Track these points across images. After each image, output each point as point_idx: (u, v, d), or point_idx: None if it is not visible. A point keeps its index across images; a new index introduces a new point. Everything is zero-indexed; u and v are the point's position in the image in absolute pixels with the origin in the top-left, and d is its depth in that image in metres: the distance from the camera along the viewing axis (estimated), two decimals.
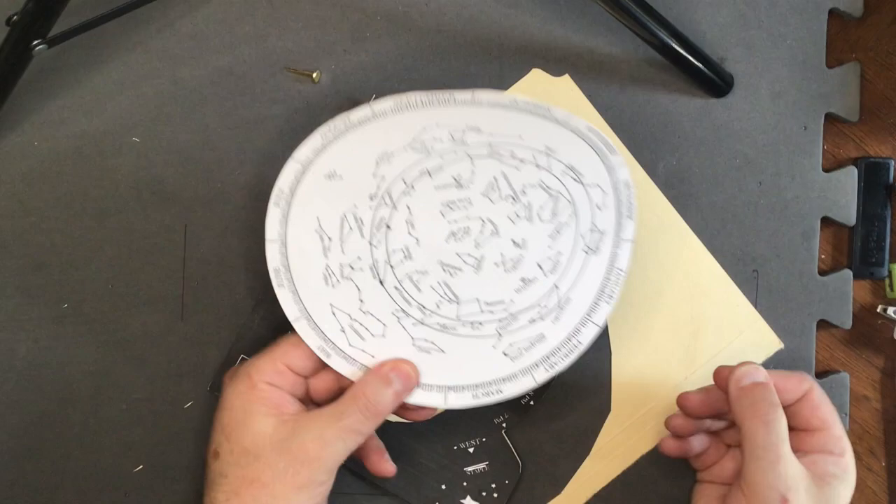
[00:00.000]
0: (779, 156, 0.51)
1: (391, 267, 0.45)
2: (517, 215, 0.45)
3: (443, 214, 0.45)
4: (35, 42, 0.45)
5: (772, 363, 0.51)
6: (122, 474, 0.50)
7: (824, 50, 0.51)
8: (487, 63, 0.51)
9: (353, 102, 0.49)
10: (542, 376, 0.45)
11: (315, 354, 0.45)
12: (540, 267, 0.45)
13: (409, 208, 0.45)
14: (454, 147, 0.45)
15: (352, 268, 0.45)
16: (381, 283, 0.45)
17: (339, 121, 0.45)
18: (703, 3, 0.51)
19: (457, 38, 0.51)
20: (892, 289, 0.51)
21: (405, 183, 0.45)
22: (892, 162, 0.52)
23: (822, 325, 0.52)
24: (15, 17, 0.44)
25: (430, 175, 0.45)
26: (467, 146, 0.45)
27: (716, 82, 0.50)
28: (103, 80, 0.51)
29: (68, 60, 0.51)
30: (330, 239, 0.45)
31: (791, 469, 0.41)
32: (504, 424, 0.49)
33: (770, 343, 0.51)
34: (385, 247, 0.45)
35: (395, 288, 0.45)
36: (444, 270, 0.45)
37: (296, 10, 0.51)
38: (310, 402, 0.46)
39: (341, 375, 0.45)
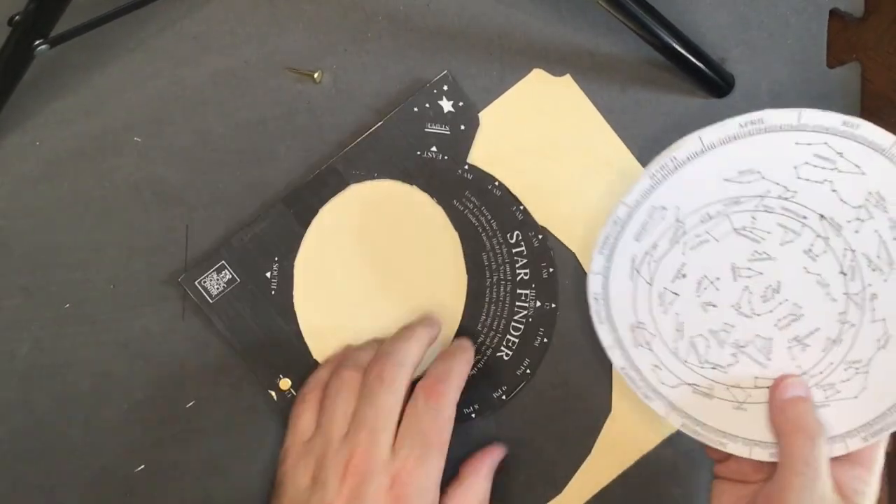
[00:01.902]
0: None
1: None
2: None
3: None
4: (37, 42, 0.45)
5: None
6: (124, 474, 0.50)
7: (825, 50, 0.51)
8: (488, 63, 0.51)
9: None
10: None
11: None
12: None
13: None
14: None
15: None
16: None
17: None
18: (703, 3, 0.51)
19: (457, 38, 0.51)
20: None
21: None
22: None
23: None
24: (17, 17, 0.44)
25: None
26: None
27: (716, 82, 0.50)
28: (105, 80, 0.51)
29: (70, 60, 0.51)
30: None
31: (827, 488, 0.41)
32: (473, 416, 0.50)
33: None
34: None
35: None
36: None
37: (297, 10, 0.51)
38: None
39: None
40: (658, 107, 0.51)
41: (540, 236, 0.49)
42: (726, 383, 0.45)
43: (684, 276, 0.45)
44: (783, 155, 0.43)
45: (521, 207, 0.50)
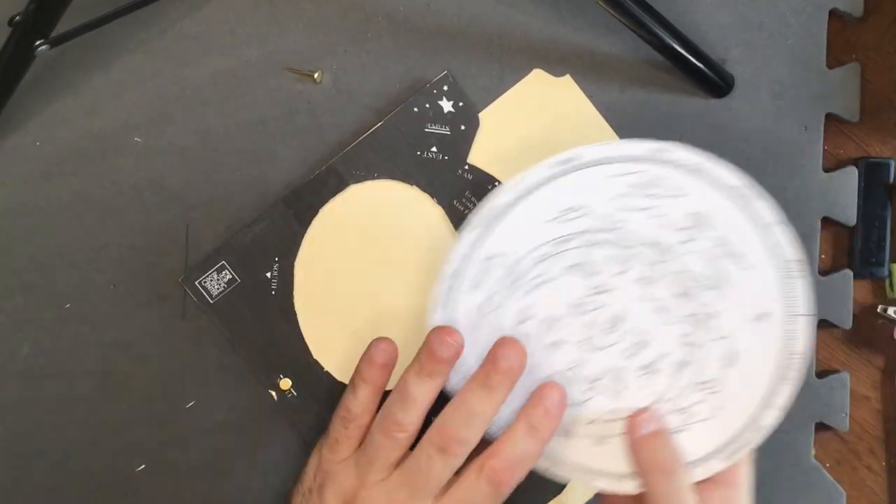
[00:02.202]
0: (779, 156, 0.51)
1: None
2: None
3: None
4: (37, 42, 0.45)
5: None
6: (124, 474, 0.50)
7: (824, 50, 0.51)
8: (487, 63, 0.51)
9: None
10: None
11: None
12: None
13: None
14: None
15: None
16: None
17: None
18: (703, 3, 0.51)
19: (457, 38, 0.51)
20: (892, 289, 0.51)
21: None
22: (893, 162, 0.52)
23: (823, 324, 0.52)
24: (17, 18, 0.44)
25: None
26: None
27: (716, 83, 0.50)
28: (105, 80, 0.51)
29: (70, 61, 0.51)
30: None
31: None
32: None
33: None
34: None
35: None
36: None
37: (297, 10, 0.51)
38: None
39: None
40: (658, 107, 0.51)
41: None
42: (583, 420, 0.45)
43: (526, 320, 0.45)
44: (600, 189, 0.44)
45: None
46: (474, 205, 0.50)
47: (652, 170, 0.44)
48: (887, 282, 0.52)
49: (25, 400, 0.51)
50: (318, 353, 0.50)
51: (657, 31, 0.47)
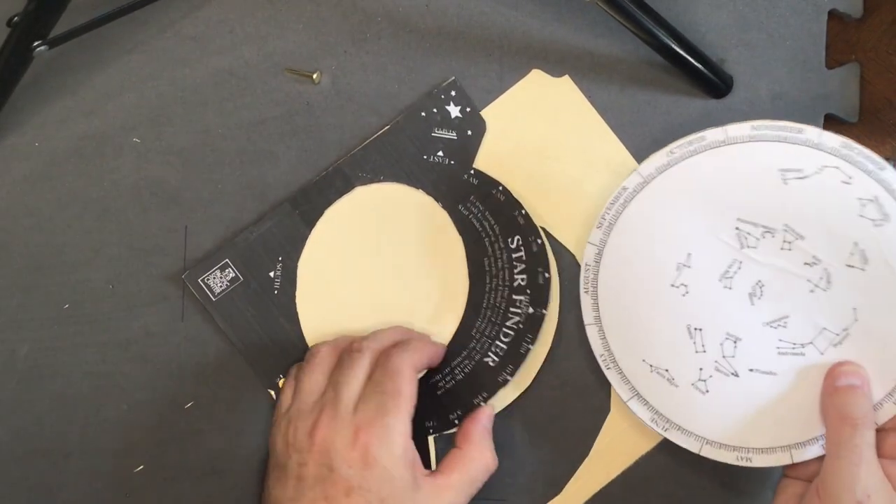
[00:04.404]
0: None
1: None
2: None
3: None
4: (36, 43, 0.45)
5: None
6: (123, 474, 0.50)
7: (824, 51, 0.51)
8: (487, 63, 0.51)
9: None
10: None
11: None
12: None
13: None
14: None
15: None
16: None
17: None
18: (702, 3, 0.51)
19: (457, 39, 0.51)
20: None
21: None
22: (892, 162, 0.52)
23: None
24: (16, 19, 0.44)
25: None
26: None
27: (715, 83, 0.50)
28: (104, 80, 0.51)
29: (69, 61, 0.51)
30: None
31: (872, 475, 0.40)
32: (456, 422, 0.49)
33: None
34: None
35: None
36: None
37: (296, 10, 0.51)
38: None
39: None
40: (657, 107, 0.51)
41: (539, 241, 0.49)
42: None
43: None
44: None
45: (523, 212, 0.49)
46: (479, 209, 0.50)
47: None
48: None
49: (25, 400, 0.51)
50: None
51: (656, 31, 0.47)
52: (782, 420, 0.45)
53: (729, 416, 0.45)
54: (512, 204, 0.49)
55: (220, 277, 0.50)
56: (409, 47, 0.51)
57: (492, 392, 0.49)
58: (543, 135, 0.51)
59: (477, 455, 0.46)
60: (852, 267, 0.44)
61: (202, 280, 0.50)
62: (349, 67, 0.51)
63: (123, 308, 0.51)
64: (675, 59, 0.48)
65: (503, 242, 0.49)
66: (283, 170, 0.51)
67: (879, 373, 0.44)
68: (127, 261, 0.51)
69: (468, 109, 0.50)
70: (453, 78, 0.50)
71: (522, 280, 0.49)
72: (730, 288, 0.46)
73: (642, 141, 0.51)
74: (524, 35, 0.51)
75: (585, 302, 0.48)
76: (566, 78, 0.51)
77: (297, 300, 0.50)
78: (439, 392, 0.49)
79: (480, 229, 0.50)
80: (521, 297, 0.49)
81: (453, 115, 0.50)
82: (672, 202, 0.47)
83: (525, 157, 0.51)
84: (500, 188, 0.50)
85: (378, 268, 0.50)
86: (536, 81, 0.51)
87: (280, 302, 0.50)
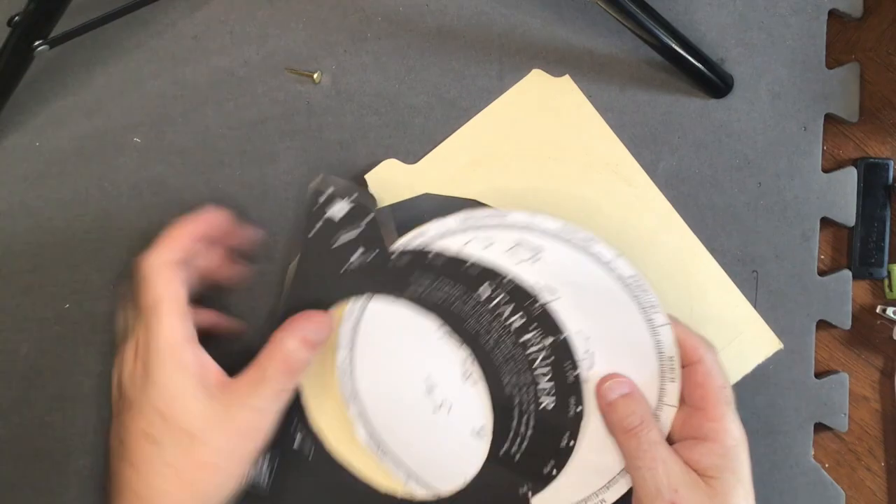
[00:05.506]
0: (779, 156, 0.51)
1: None
2: None
3: None
4: (36, 43, 0.45)
5: (771, 363, 0.51)
6: None
7: (824, 50, 0.51)
8: (487, 63, 0.51)
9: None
10: None
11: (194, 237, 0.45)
12: None
13: None
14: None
15: None
16: None
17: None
18: (703, 3, 0.51)
19: (457, 39, 0.51)
20: (891, 289, 0.52)
21: None
22: (892, 162, 0.52)
23: (822, 325, 0.52)
24: (16, 18, 0.44)
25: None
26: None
27: (715, 83, 0.50)
28: (104, 80, 0.51)
29: (70, 61, 0.51)
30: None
31: (672, 469, 0.41)
32: (529, 493, 0.46)
33: (770, 343, 0.51)
34: None
35: None
36: None
37: (296, 10, 0.51)
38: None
39: None
40: (657, 107, 0.51)
41: (479, 269, 0.45)
42: None
43: None
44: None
45: (471, 262, 0.45)
46: (429, 280, 0.46)
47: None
48: (886, 282, 0.52)
49: (26, 400, 0.51)
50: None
51: (656, 31, 0.47)
52: (587, 471, 0.45)
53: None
54: (454, 261, 0.45)
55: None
56: (409, 47, 0.51)
57: (539, 481, 0.46)
58: (543, 135, 0.51)
59: (277, 349, 0.43)
60: (552, 301, 0.45)
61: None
62: (349, 67, 0.51)
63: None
64: (676, 58, 0.48)
65: (473, 295, 0.45)
66: (283, 170, 0.51)
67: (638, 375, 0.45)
68: (127, 260, 0.51)
69: (353, 195, 0.45)
70: (322, 175, 0.46)
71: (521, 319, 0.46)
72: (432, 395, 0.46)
73: (642, 141, 0.51)
74: (524, 35, 0.51)
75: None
76: (566, 78, 0.51)
77: None
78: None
79: (444, 298, 0.46)
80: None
81: (342, 214, 0.45)
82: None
83: (524, 156, 0.51)
84: (432, 253, 0.45)
85: None
86: (536, 81, 0.51)
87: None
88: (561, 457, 0.45)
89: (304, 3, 0.51)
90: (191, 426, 0.41)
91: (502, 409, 0.45)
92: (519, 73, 0.51)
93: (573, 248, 0.45)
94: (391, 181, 0.51)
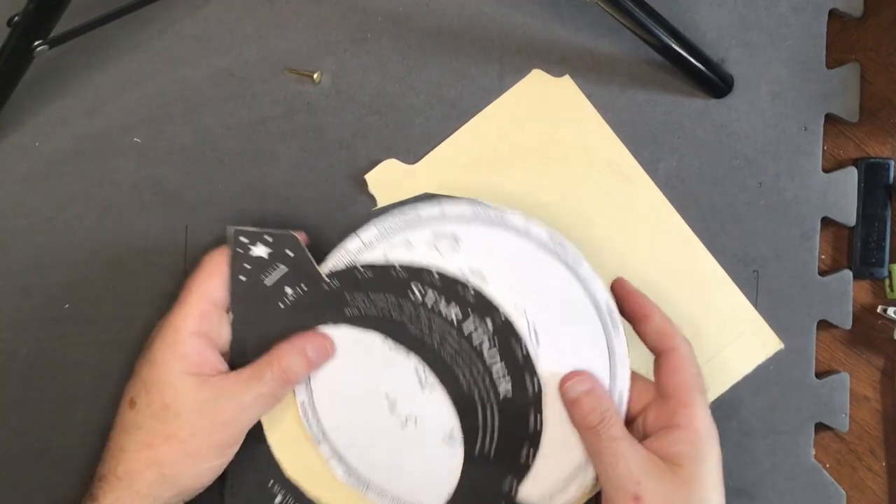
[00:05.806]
0: (779, 156, 0.51)
1: None
2: None
3: None
4: (36, 43, 0.45)
5: (772, 363, 0.51)
6: None
7: (824, 50, 0.51)
8: (487, 63, 0.51)
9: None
10: None
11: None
12: None
13: None
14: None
15: None
16: None
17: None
18: (703, 3, 0.51)
19: (457, 39, 0.51)
20: (892, 289, 0.51)
21: None
22: (892, 162, 0.52)
23: (823, 325, 0.52)
24: (16, 18, 0.44)
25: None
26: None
27: (716, 83, 0.50)
28: (104, 80, 0.51)
29: (69, 61, 0.51)
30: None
31: (634, 462, 0.41)
32: (513, 487, 0.46)
33: (770, 343, 0.51)
34: None
35: None
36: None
37: (296, 10, 0.51)
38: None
39: None
40: (657, 107, 0.51)
41: (405, 271, 0.46)
42: None
43: None
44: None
45: (396, 267, 0.45)
46: (365, 298, 0.45)
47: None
48: (887, 282, 0.52)
49: (26, 400, 0.51)
50: None
51: (657, 31, 0.47)
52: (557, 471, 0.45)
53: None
54: (384, 269, 0.45)
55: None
56: (409, 47, 0.51)
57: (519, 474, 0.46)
58: (543, 135, 0.51)
59: (277, 358, 0.44)
60: (482, 284, 0.45)
61: None
62: (349, 67, 0.51)
63: (124, 308, 0.51)
64: (676, 58, 0.48)
65: (405, 299, 0.46)
66: (283, 170, 0.51)
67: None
68: (127, 261, 0.51)
69: (268, 238, 0.45)
70: (234, 228, 0.45)
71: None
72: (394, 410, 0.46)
73: (642, 141, 0.51)
74: (524, 35, 0.51)
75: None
76: (566, 78, 0.51)
77: None
78: None
79: (378, 315, 0.46)
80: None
81: (265, 254, 0.45)
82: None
83: (525, 156, 0.51)
84: (360, 268, 0.45)
85: None
86: (537, 81, 0.51)
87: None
88: (533, 439, 0.45)
89: (304, 3, 0.51)
90: (171, 401, 0.43)
91: (465, 407, 0.45)
92: (519, 73, 0.51)
93: (488, 226, 0.45)
94: (391, 181, 0.51)
